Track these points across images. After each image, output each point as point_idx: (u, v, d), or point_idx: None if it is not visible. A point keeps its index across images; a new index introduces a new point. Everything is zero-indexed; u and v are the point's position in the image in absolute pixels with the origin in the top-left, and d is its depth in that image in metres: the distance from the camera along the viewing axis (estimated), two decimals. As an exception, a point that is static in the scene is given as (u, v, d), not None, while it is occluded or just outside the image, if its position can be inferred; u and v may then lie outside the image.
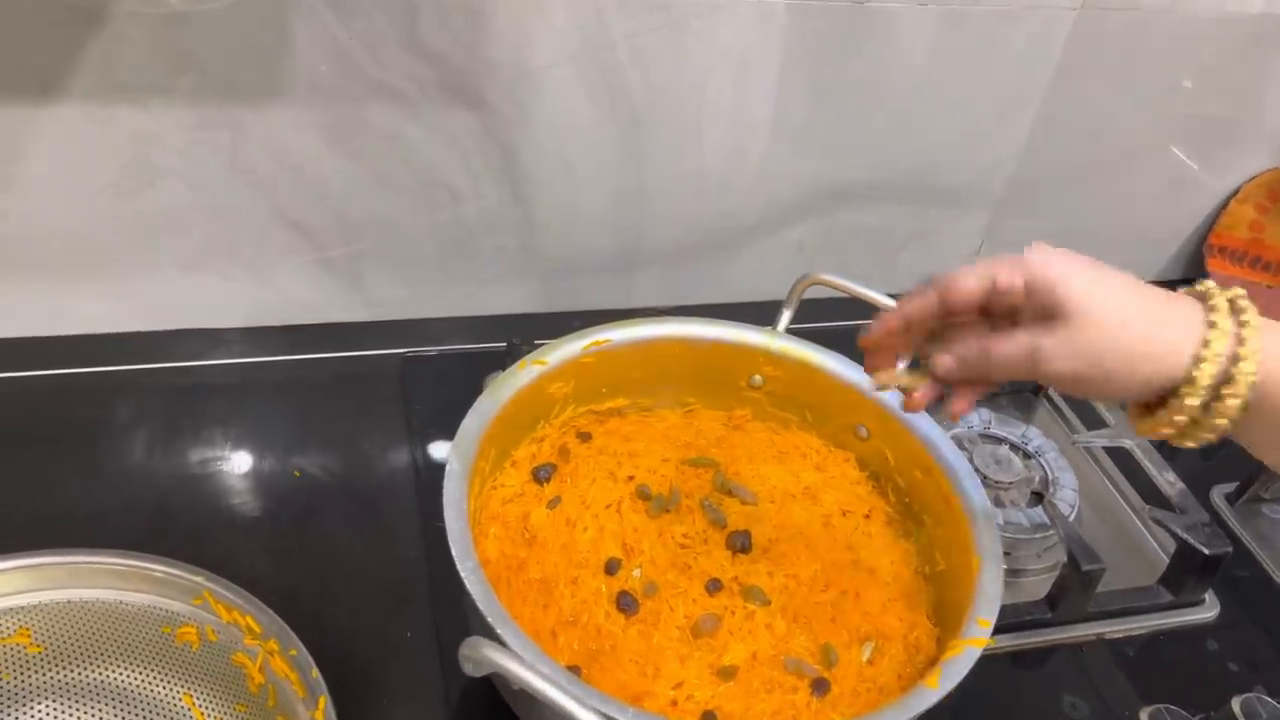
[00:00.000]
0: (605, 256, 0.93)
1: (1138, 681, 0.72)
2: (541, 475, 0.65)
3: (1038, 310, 0.48)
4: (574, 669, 0.55)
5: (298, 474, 0.76)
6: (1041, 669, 0.73)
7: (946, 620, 0.60)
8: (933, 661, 0.58)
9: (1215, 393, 0.46)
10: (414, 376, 0.85)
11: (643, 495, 0.65)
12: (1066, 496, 0.79)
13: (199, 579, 0.55)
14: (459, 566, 0.52)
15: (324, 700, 0.51)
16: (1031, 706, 0.70)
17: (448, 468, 0.57)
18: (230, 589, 0.55)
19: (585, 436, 0.69)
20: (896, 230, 1.00)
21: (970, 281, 0.49)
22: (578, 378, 0.67)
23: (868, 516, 0.66)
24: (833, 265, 1.00)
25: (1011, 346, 0.48)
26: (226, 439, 0.78)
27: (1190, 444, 0.49)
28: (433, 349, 0.88)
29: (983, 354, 0.50)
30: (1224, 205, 1.12)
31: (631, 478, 0.66)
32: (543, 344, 0.66)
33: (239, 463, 0.77)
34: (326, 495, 0.75)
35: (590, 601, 0.59)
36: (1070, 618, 0.74)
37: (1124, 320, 0.47)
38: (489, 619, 0.50)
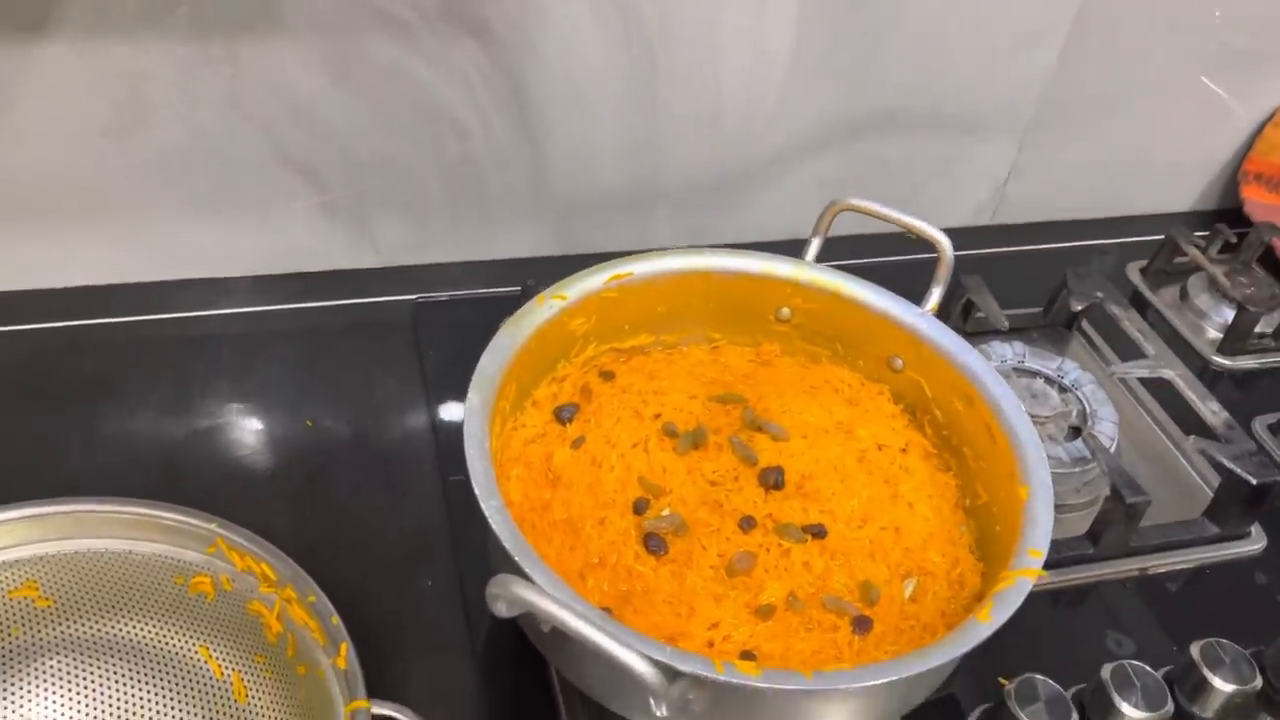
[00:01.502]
0: (620, 195, 0.90)
1: (1183, 617, 0.70)
2: (564, 415, 0.63)
3: None
4: (605, 611, 0.53)
5: (310, 424, 0.74)
6: (1084, 606, 0.71)
7: (991, 555, 0.58)
8: (978, 597, 0.56)
9: None
10: (426, 323, 0.83)
11: (670, 433, 0.62)
12: (1106, 429, 0.77)
13: (212, 526, 0.53)
14: (483, 505, 0.49)
15: (345, 646, 0.49)
16: (1074, 644, 0.68)
17: (467, 404, 0.54)
18: (244, 535, 0.53)
19: (608, 375, 0.66)
20: (920, 162, 0.97)
21: None
22: (599, 313, 0.64)
23: (905, 450, 0.63)
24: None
25: None
26: (236, 390, 0.76)
27: None
28: (445, 294, 0.85)
29: None
30: (1259, 131, 1.08)
31: (658, 416, 0.63)
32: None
33: (249, 414, 0.74)
34: (339, 446, 0.73)
35: (619, 542, 0.56)
36: (1113, 553, 0.71)
37: None
38: (516, 558, 0.47)
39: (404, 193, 0.84)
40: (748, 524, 0.58)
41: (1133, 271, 1.00)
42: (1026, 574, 0.50)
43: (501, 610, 0.43)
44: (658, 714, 0.43)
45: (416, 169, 0.82)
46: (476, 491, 0.50)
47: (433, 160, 0.82)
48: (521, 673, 0.61)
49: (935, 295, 0.65)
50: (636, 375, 0.66)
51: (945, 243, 0.63)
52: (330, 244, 0.85)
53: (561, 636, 0.43)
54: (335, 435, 0.74)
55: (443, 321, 0.82)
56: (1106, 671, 0.61)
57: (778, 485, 0.60)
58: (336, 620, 0.49)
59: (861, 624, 0.54)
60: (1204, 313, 0.95)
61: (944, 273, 0.65)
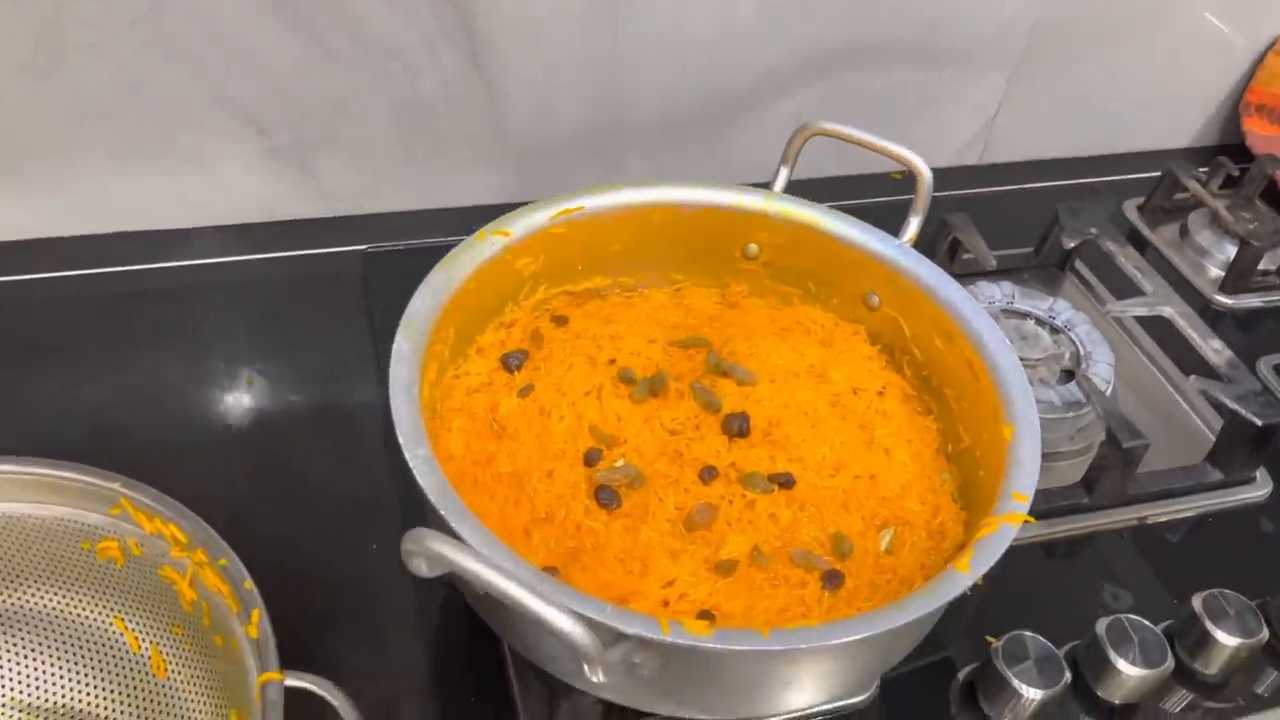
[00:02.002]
0: (585, 136, 0.84)
1: (1185, 567, 0.66)
2: (511, 362, 0.58)
3: None
4: (550, 570, 0.48)
5: (250, 380, 0.69)
6: (1078, 559, 0.66)
7: (975, 502, 0.53)
8: (960, 548, 0.51)
9: None
10: (377, 274, 0.78)
11: (625, 379, 0.58)
12: (1101, 371, 0.72)
13: (115, 485, 0.48)
14: (407, 456, 0.45)
15: (258, 614, 0.44)
16: (1069, 599, 0.63)
17: (395, 349, 0.49)
18: (150, 495, 0.48)
19: (561, 320, 0.62)
20: (905, 96, 0.91)
21: None
22: (547, 252, 0.59)
23: (881, 393, 0.59)
24: (835, 145, 0.91)
25: None
26: (171, 347, 0.71)
27: None
28: (397, 244, 0.80)
29: None
30: (1259, 60, 1.02)
31: (613, 361, 0.58)
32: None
33: (185, 372, 0.69)
34: (282, 403, 0.69)
35: (567, 496, 0.52)
36: (1109, 501, 0.67)
37: None
38: (442, 511, 0.43)
39: (351, 135, 0.79)
40: (709, 474, 0.53)
41: (1130, 209, 0.95)
42: (1010, 519, 0.46)
43: (421, 569, 0.39)
44: (594, 680, 0.38)
45: (363, 109, 0.77)
46: (401, 440, 0.45)
47: (380, 100, 0.77)
48: (475, 642, 0.56)
49: (913, 225, 0.60)
50: (592, 320, 0.61)
51: (923, 167, 0.58)
52: (274, 192, 0.80)
53: (496, 599, 0.39)
54: (277, 392, 0.69)
55: (394, 273, 0.77)
56: (1102, 626, 0.57)
57: (742, 433, 0.55)
58: (250, 585, 0.45)
59: (832, 579, 0.50)
60: (1205, 250, 0.90)
61: (922, 201, 0.60)
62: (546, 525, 0.51)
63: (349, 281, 0.78)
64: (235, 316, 0.74)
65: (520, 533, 0.50)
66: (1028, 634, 0.56)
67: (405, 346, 0.50)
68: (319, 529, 0.61)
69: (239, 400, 0.68)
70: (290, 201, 0.80)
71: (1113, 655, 0.56)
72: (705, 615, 0.47)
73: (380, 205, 0.83)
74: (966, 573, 0.44)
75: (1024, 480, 0.48)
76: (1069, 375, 0.73)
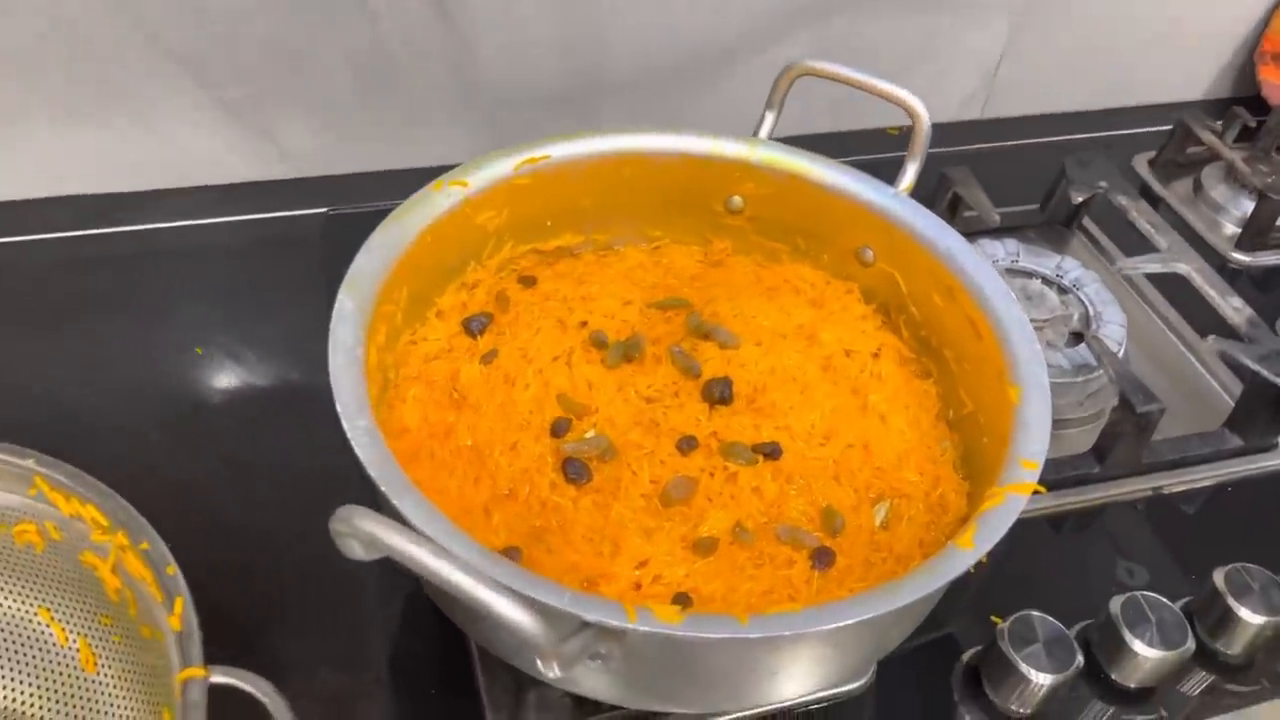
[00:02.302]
0: (562, 88, 0.79)
1: (1203, 540, 0.62)
2: (474, 327, 0.53)
3: None
4: (512, 551, 0.44)
5: (200, 351, 0.65)
6: (1089, 532, 0.62)
7: (979, 472, 0.49)
8: (963, 522, 0.46)
9: None
10: (338, 239, 0.72)
11: (598, 343, 0.53)
12: (1113, 333, 0.67)
13: (28, 463, 0.44)
14: (346, 426, 0.40)
15: (180, 603, 0.40)
16: (1080, 576, 0.59)
17: (336, 307, 0.45)
18: (67, 473, 0.43)
19: (529, 281, 0.57)
20: (902, 45, 0.86)
21: None
22: (511, 205, 0.54)
23: (876, 355, 0.54)
24: (827, 97, 0.86)
25: None
26: (116, 317, 0.67)
27: None
28: (360, 207, 0.75)
29: None
30: (1276, 6, 0.97)
31: (584, 324, 0.54)
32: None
33: (129, 345, 0.65)
34: (233, 376, 0.64)
35: (532, 470, 0.47)
36: (1122, 471, 0.62)
37: None
38: (383, 488, 0.38)
39: (308, 89, 0.74)
40: (687, 445, 0.49)
41: (1140, 164, 0.90)
42: (1018, 489, 0.41)
43: (354, 551, 0.34)
44: (549, 675, 0.34)
45: (319, 59, 0.72)
46: (340, 409, 0.41)
47: (338, 48, 0.72)
48: (438, 631, 0.52)
49: (910, 173, 0.55)
50: (563, 280, 0.57)
51: (919, 107, 0.53)
52: (227, 151, 0.75)
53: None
54: (229, 364, 0.64)
55: (357, 237, 0.71)
56: (1116, 605, 0.53)
57: (724, 399, 0.51)
58: (173, 570, 0.40)
59: (822, 557, 0.45)
60: (1220, 205, 0.85)
61: (919, 145, 0.55)
62: (509, 503, 0.46)
63: (308, 247, 0.73)
64: (184, 285, 0.69)
65: (480, 511, 0.46)
66: (1036, 614, 0.52)
67: (349, 306, 0.45)
68: (270, 511, 0.56)
69: (186, 374, 0.63)
70: (244, 162, 0.75)
71: (1128, 636, 0.52)
72: (681, 599, 0.42)
73: (342, 165, 0.78)
74: (969, 549, 0.39)
75: (1032, 446, 0.43)
76: (1078, 337, 0.69)
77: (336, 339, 0.43)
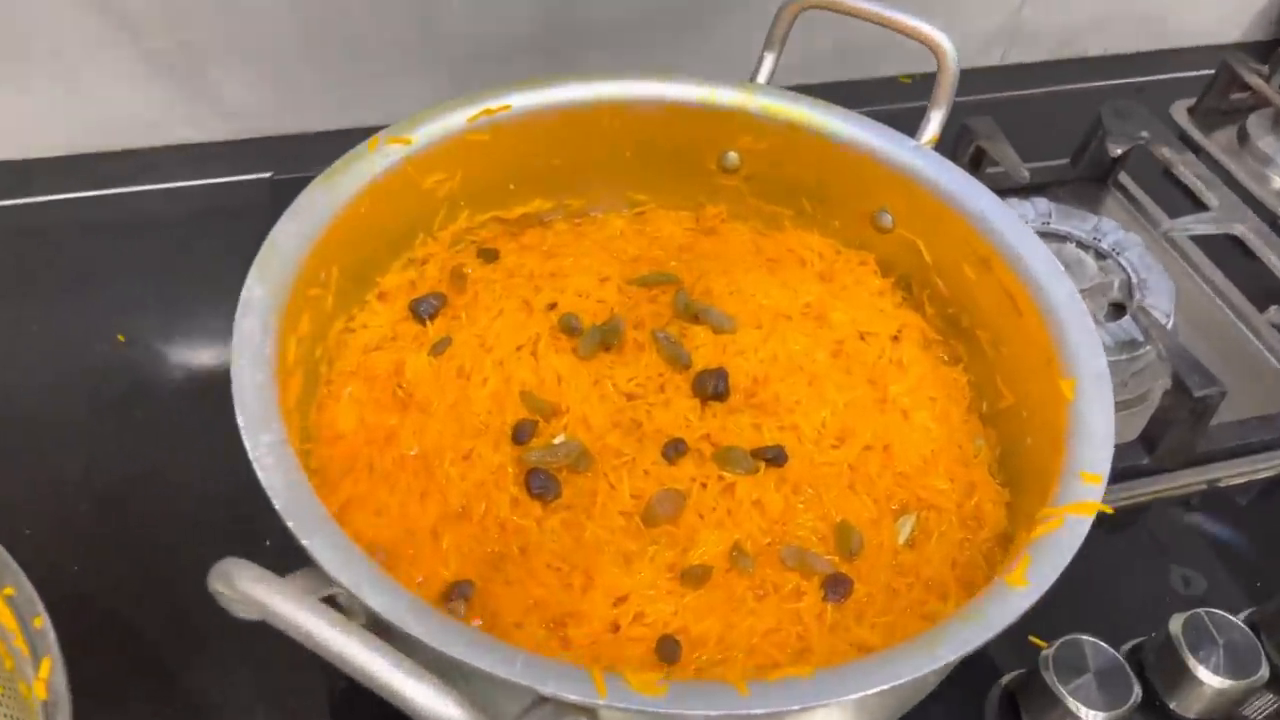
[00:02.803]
0: (535, 36, 0.71)
1: (1267, 540, 0.54)
2: (423, 310, 0.45)
3: None
4: (462, 585, 0.36)
5: (122, 339, 0.57)
6: (1138, 531, 0.55)
7: (1021, 477, 0.41)
8: (1003, 539, 0.39)
9: None
10: (285, 209, 0.65)
11: (569, 329, 0.45)
12: (1160, 303, 0.59)
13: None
14: (246, 444, 0.32)
15: (47, 665, 0.32)
16: (1128, 585, 0.52)
17: (243, 296, 0.37)
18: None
19: (490, 255, 0.49)
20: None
21: None
22: (466, 166, 0.47)
23: (896, 338, 0.47)
24: (832, 40, 0.78)
25: None
26: (27, 299, 0.58)
27: None
28: (311, 172, 0.67)
29: None
30: (1327, -61, 0.88)
31: (553, 306, 0.46)
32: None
33: (38, 330, 0.57)
34: (159, 368, 0.57)
35: (489, 484, 0.40)
36: (1175, 462, 0.55)
37: None
38: (289, 521, 0.30)
39: (250, 39, 0.65)
40: (675, 450, 0.41)
41: (1179, 112, 0.81)
42: (1079, 510, 0.34)
43: (240, 612, 0.27)
44: (493, 770, 0.27)
45: (262, 7, 0.63)
46: (240, 422, 0.33)
47: (280, -7, 0.63)
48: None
49: (934, 122, 0.47)
50: (530, 254, 0.49)
51: (944, 42, 0.46)
52: (161, 109, 0.67)
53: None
54: (155, 354, 0.57)
55: None
56: (1177, 625, 0.46)
57: (718, 395, 0.43)
58: (40, 622, 0.33)
59: (836, 586, 0.38)
60: (1269, 157, 0.77)
61: (946, 90, 0.47)
62: (462, 523, 0.39)
63: (253, 216, 0.64)
64: (109, 261, 0.62)
65: (426, 534, 0.38)
66: (1087, 639, 0.44)
67: (258, 293, 0.37)
68: (197, 529, 0.49)
69: (103, 366, 0.55)
70: (179, 121, 0.67)
71: (1192, 662, 0.45)
72: (666, 645, 0.35)
73: (290, 125, 0.70)
74: (1023, 588, 0.32)
75: (1094, 454, 0.36)
76: (1119, 309, 0.61)
77: (241, 334, 0.35)
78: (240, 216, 0.65)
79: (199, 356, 0.58)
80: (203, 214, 0.66)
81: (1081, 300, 0.41)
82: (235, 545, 0.47)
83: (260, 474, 0.32)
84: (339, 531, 0.31)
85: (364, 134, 0.70)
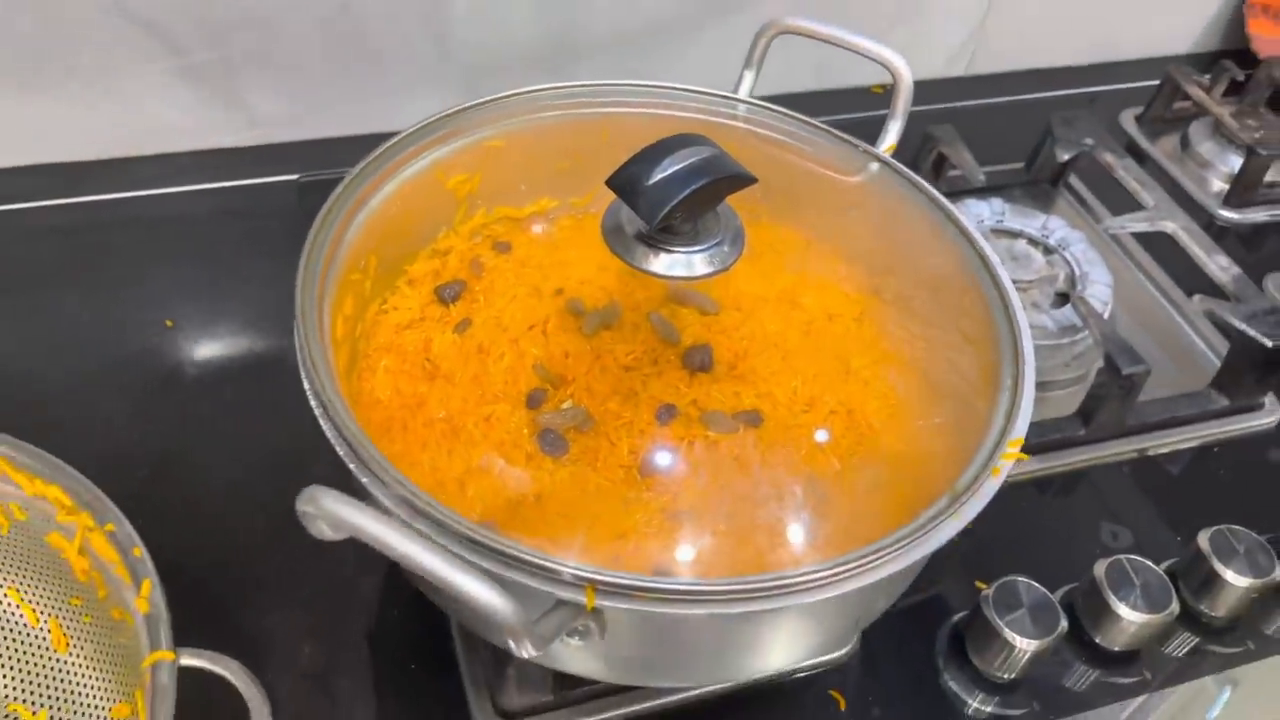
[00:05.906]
0: (538, 48, 0.77)
1: (1189, 502, 0.61)
2: (447, 294, 0.52)
3: None
4: (487, 525, 0.43)
5: (170, 324, 0.63)
6: (1073, 495, 0.62)
7: (965, 438, 0.48)
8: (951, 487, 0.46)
9: None
10: (312, 208, 0.70)
11: (575, 311, 0.52)
12: (1098, 293, 0.66)
13: (-12, 442, 0.42)
14: (312, 400, 0.39)
15: (148, 585, 0.39)
16: (1065, 539, 0.59)
17: (299, 275, 0.43)
18: (29, 453, 0.42)
19: (504, 247, 0.55)
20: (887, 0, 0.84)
21: None
22: (484, 169, 0.53)
23: (858, 319, 0.53)
24: (809, 55, 0.85)
25: None
26: (84, 290, 0.65)
27: None
28: (334, 173, 0.73)
29: None
30: (1268, -43, 0.95)
31: (560, 291, 0.52)
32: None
33: (96, 318, 0.64)
34: (204, 349, 0.63)
35: (508, 443, 0.46)
36: (1107, 433, 0.62)
37: None
38: (350, 463, 0.37)
39: (278, 53, 0.72)
40: (667, 414, 0.48)
41: (1127, 120, 0.88)
42: (1002, 457, 0.41)
43: (323, 532, 0.33)
44: (523, 654, 0.33)
45: (289, 22, 0.70)
46: (305, 383, 0.40)
47: (308, 11, 0.70)
48: (417, 605, 0.51)
49: (892, 132, 0.54)
50: (537, 246, 0.55)
51: (900, 65, 0.52)
52: (195, 118, 0.73)
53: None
54: (200, 337, 0.63)
55: None
56: (1100, 568, 0.53)
57: (704, 367, 0.50)
58: (139, 552, 0.39)
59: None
60: (1208, 162, 0.84)
61: (901, 104, 0.53)
62: (484, 476, 0.45)
63: (281, 215, 0.71)
64: (153, 256, 0.68)
65: (454, 485, 0.45)
66: (1020, 579, 0.51)
67: (313, 273, 0.43)
68: (243, 488, 0.56)
69: (155, 348, 0.62)
70: (214, 128, 0.74)
71: (1113, 600, 0.52)
72: (662, 572, 0.42)
73: (314, 131, 0.76)
74: (954, 520, 0.38)
75: (1017, 419, 0.42)
76: (1063, 298, 0.68)
77: (301, 308, 0.42)
78: (270, 215, 0.72)
79: (237, 338, 0.64)
80: (234, 213, 0.72)
81: (1012, 285, 0.48)
82: (278, 500, 0.54)
83: (324, 425, 0.38)
84: (393, 469, 0.37)
85: (381, 137, 0.78)
